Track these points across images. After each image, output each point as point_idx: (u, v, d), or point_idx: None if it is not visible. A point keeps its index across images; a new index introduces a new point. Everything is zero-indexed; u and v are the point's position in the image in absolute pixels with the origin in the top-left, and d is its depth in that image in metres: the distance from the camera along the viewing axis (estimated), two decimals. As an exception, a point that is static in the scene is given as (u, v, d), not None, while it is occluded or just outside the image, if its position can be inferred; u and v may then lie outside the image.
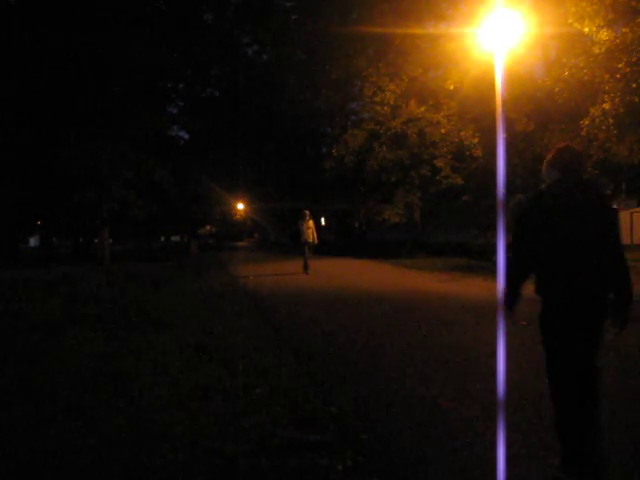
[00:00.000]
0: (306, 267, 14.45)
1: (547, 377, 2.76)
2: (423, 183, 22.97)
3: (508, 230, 2.54)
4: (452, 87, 19.57)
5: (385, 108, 21.19)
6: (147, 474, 2.75)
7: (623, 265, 2.63)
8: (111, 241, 30.55)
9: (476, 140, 20.51)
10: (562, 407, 2.66)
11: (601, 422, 2.66)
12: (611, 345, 4.65)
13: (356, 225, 36.17)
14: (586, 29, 12.70)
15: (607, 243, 2.61)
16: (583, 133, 14.86)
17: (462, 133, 20.68)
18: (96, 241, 27.02)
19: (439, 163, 21.22)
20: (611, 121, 13.59)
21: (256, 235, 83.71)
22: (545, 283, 2.68)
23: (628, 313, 2.61)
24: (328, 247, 31.15)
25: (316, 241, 14.49)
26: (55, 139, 20.22)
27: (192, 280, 13.70)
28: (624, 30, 12.43)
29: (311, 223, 14.38)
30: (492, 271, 13.02)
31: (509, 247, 2.61)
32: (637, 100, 12.77)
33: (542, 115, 23.66)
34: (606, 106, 13.20)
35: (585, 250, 2.59)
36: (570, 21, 12.90)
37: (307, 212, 14.50)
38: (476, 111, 21.01)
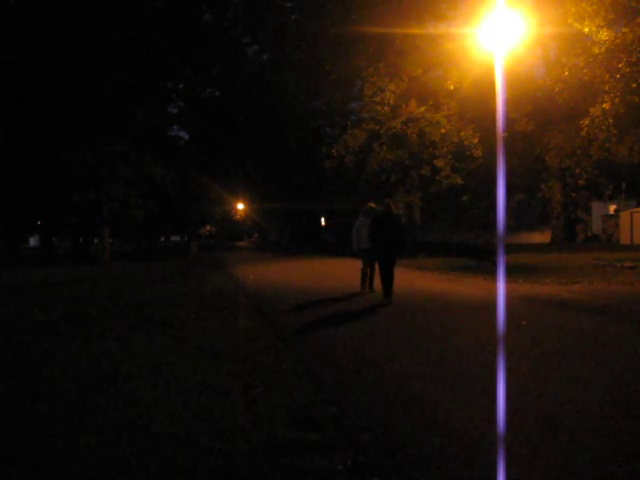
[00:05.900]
0: (371, 283, 10.57)
1: (379, 270, 9.12)
2: (423, 183, 22.95)
3: (371, 226, 9.21)
4: (452, 87, 19.55)
5: (385, 108, 21.17)
6: (147, 474, 2.74)
7: (403, 237, 9.31)
8: (111, 241, 30.55)
9: (476, 140, 20.50)
10: (382, 277, 8.93)
11: (392, 283, 8.86)
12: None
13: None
14: (586, 29, 12.69)
15: (397, 230, 9.05)
16: (583, 133, 14.86)
17: (462, 133, 20.66)
18: (96, 241, 27.02)
19: (439, 163, 21.21)
20: (611, 121, 13.59)
21: (256, 235, 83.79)
22: (378, 242, 8.99)
23: (403, 252, 9.65)
24: (327, 247, 31.20)
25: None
26: (55, 140, 20.21)
27: (192, 280, 13.69)
28: (624, 30, 12.43)
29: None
30: (492, 271, 13.02)
31: (371, 230, 9.16)
32: (637, 100, 12.77)
33: (542, 115, 23.64)
34: (606, 106, 13.19)
35: (389, 232, 8.95)
36: (570, 21, 12.89)
37: (373, 205, 10.72)
38: (476, 111, 20.99)
